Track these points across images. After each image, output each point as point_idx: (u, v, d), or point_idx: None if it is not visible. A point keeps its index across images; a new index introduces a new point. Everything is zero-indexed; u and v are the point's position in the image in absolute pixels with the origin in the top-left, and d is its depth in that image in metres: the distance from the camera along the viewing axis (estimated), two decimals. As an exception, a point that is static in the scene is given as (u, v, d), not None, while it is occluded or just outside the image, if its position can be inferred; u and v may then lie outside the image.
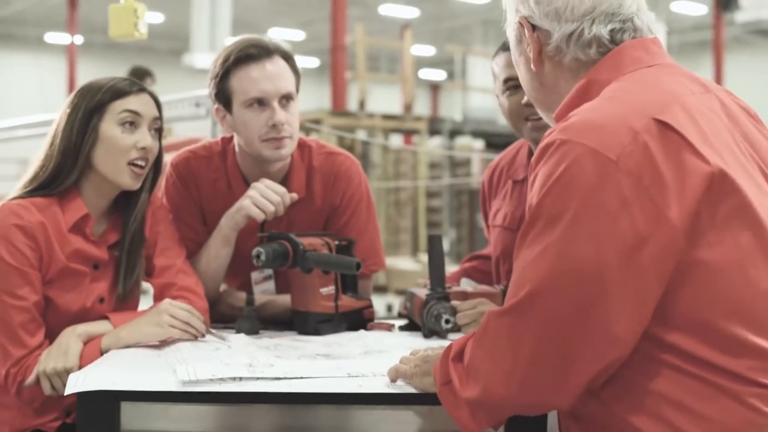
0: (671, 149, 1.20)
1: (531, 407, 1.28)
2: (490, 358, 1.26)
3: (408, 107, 12.73)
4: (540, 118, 1.77)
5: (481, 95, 18.56)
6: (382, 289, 10.56)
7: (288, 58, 2.11)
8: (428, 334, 1.92)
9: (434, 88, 28.58)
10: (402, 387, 1.47)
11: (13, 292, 1.80)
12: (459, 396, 1.30)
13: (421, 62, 25.29)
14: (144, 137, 1.89)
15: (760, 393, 1.21)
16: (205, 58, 14.53)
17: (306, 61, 26.61)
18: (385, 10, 19.66)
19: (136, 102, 1.89)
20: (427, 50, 23.77)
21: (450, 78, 25.36)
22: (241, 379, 1.48)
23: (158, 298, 1.95)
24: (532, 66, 1.41)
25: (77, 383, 1.48)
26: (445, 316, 1.87)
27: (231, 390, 1.46)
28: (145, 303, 2.00)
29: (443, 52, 21.54)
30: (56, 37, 21.55)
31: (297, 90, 2.13)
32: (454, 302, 1.90)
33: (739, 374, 1.20)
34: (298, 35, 22.94)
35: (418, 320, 1.97)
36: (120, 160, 1.87)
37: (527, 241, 1.24)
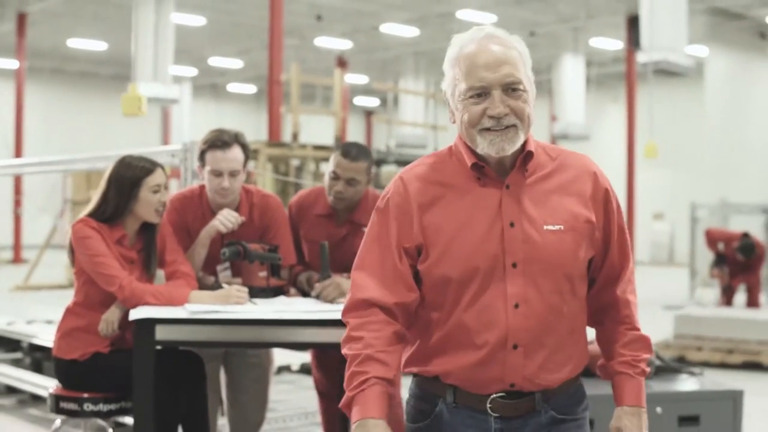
0: None
1: None
2: None
3: (339, 139, 14.03)
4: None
5: (411, 128, 20.07)
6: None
7: (243, 146, 3.53)
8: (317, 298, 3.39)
9: (368, 113, 29.93)
10: (308, 314, 2.98)
11: (101, 252, 3.21)
12: None
13: (356, 90, 26.30)
14: (163, 196, 3.33)
15: None
16: (149, 86, 15.42)
17: (244, 88, 27.60)
18: (320, 41, 20.67)
19: (159, 175, 3.32)
20: (361, 79, 24.52)
21: (383, 104, 26.64)
22: (218, 312, 2.97)
23: (169, 279, 3.38)
24: None
25: (136, 314, 2.95)
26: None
27: (214, 317, 2.95)
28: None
29: (376, 81, 22.44)
30: (4, 63, 22.09)
31: (245, 165, 3.54)
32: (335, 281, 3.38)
33: None
34: (237, 63, 23.73)
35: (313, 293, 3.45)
36: (151, 209, 3.30)
37: None
